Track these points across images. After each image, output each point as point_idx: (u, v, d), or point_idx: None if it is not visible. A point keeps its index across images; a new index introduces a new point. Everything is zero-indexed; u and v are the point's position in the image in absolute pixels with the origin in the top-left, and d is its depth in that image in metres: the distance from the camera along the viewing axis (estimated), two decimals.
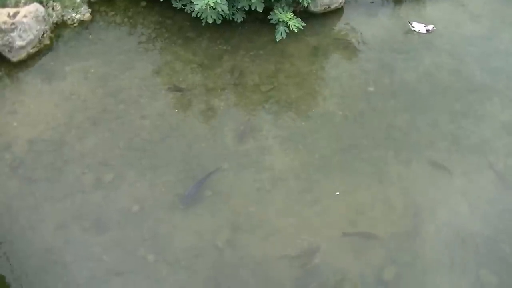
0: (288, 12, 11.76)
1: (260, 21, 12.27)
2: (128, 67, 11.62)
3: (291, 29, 11.56)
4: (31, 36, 11.40)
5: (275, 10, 11.83)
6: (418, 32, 12.49)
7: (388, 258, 9.23)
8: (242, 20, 11.98)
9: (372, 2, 13.12)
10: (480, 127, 10.95)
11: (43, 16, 11.59)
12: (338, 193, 10.00)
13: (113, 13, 12.44)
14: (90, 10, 12.34)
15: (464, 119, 11.05)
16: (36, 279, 9.00)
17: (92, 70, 11.50)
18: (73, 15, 12.17)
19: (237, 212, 9.73)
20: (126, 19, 12.38)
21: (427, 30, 12.48)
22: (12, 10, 11.29)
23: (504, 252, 9.34)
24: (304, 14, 12.39)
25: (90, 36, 12.04)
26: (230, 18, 11.94)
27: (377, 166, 10.34)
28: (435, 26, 12.50)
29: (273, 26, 11.83)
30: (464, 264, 9.19)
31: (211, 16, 11.43)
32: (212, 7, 11.02)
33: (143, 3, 12.66)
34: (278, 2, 11.95)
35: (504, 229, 9.59)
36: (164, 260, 9.22)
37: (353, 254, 9.30)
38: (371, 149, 10.56)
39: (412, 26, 12.52)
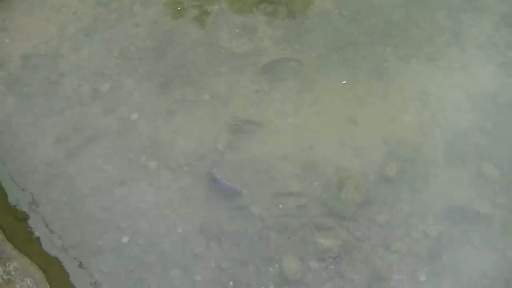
0: None
1: None
2: None
3: None
4: None
5: None
6: None
7: (389, 156, 9.23)
8: None
9: None
10: (479, 20, 10.74)
11: None
12: (344, 82, 9.98)
13: None
14: None
15: (462, 13, 10.81)
16: (41, 193, 9.08)
17: None
18: None
19: (237, 115, 9.70)
20: None
21: None
22: None
23: (506, 146, 9.34)
24: None
25: None
26: None
27: (376, 63, 10.20)
28: None
29: None
30: (466, 157, 9.21)
31: None
32: None
33: None
34: None
35: (505, 122, 9.56)
36: (166, 166, 9.25)
37: (353, 152, 9.31)
38: (369, 46, 10.40)
39: None
